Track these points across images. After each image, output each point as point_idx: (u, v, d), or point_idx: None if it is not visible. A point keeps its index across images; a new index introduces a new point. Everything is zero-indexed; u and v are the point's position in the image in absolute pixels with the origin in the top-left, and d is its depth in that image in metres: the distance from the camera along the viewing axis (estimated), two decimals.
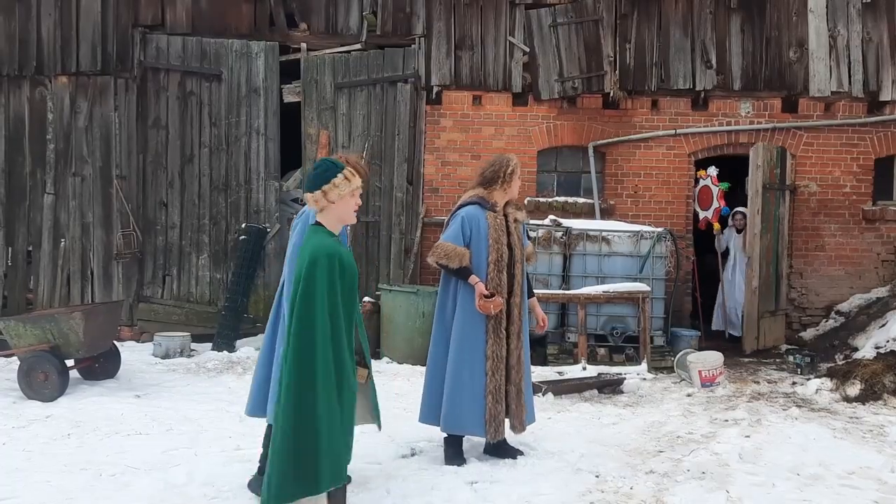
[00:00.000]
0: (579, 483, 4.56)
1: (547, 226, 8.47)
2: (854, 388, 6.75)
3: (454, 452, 4.85)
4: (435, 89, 9.33)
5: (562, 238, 8.37)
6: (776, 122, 9.36)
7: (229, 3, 9.29)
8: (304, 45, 9.34)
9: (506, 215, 4.91)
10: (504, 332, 4.78)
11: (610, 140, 9.36)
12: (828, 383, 7.02)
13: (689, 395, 6.98)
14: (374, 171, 9.16)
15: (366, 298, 8.42)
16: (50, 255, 9.31)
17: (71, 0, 9.20)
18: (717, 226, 9.27)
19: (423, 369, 5.32)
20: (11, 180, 9.32)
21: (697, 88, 9.32)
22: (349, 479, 3.68)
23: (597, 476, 4.69)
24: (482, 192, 4.88)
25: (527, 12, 9.30)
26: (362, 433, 4.05)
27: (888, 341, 7.63)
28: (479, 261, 4.77)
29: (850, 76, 9.35)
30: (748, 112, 9.39)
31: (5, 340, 6.94)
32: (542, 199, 9.32)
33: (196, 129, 9.38)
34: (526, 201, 9.01)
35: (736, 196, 9.73)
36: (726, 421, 6.08)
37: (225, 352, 8.58)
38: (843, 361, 7.75)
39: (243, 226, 9.27)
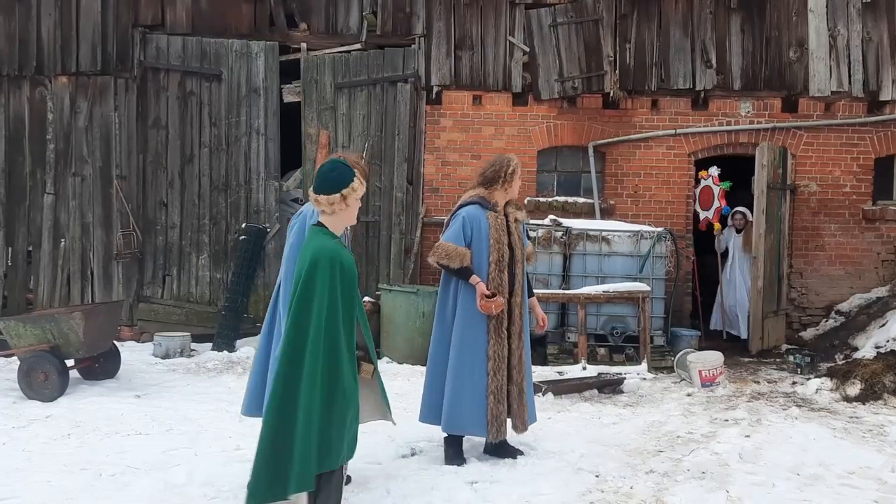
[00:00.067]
0: (579, 483, 4.56)
1: (547, 225, 8.46)
2: (854, 388, 6.75)
3: (454, 452, 4.85)
4: (435, 89, 9.33)
5: (562, 238, 8.37)
6: (776, 122, 9.36)
7: (229, 3, 9.29)
8: (304, 45, 9.34)
9: (506, 215, 4.91)
10: (505, 331, 4.78)
11: (610, 140, 9.36)
12: (828, 383, 7.02)
13: (689, 395, 6.98)
14: (374, 171, 9.16)
15: (366, 298, 8.42)
16: (50, 255, 9.31)
17: (71, 0, 9.20)
18: (717, 226, 9.26)
19: (423, 369, 5.32)
20: (11, 180, 9.32)
21: (697, 88, 9.32)
22: (349, 480, 3.66)
23: (597, 476, 4.70)
24: (483, 192, 4.88)
25: (527, 12, 9.30)
26: (363, 433, 4.05)
27: (888, 341, 7.63)
28: (479, 261, 4.77)
29: (850, 76, 9.35)
30: (748, 112, 9.39)
31: (5, 340, 6.94)
32: (542, 199, 9.31)
33: (196, 129, 9.38)
34: (526, 201, 9.01)
35: (735, 196, 9.72)
36: (726, 421, 6.08)
37: (225, 352, 8.58)
38: (843, 361, 7.75)
39: (243, 226, 9.27)
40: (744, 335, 9.22)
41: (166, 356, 8.26)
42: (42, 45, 9.23)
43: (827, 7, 9.31)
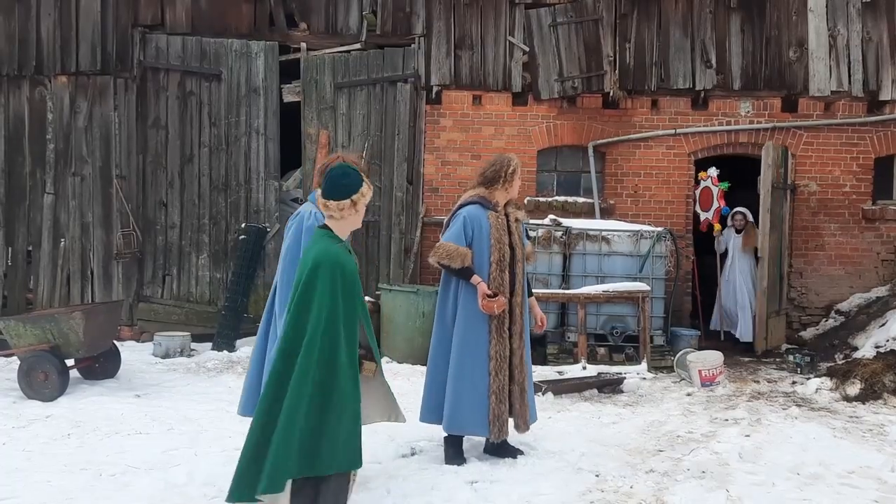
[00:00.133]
0: (579, 482, 4.56)
1: (547, 225, 8.46)
2: (854, 388, 6.76)
3: (454, 452, 4.85)
4: (435, 89, 9.33)
5: (562, 238, 8.37)
6: (776, 122, 9.36)
7: (229, 3, 9.29)
8: (303, 45, 9.34)
9: (507, 215, 4.91)
10: (507, 331, 4.78)
11: (610, 140, 9.36)
12: (828, 383, 7.02)
13: (688, 395, 6.98)
14: (373, 171, 9.16)
15: (366, 298, 8.41)
16: (50, 255, 9.31)
17: (70, 0, 9.20)
18: (717, 226, 9.24)
19: (423, 369, 5.32)
20: (11, 180, 9.32)
21: (697, 88, 9.32)
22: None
23: (597, 475, 4.70)
24: (483, 192, 4.87)
25: (526, 12, 9.30)
26: (363, 433, 4.05)
27: (888, 340, 7.63)
28: (480, 261, 4.77)
29: (849, 76, 9.35)
30: (748, 112, 9.39)
31: (5, 340, 6.94)
32: (541, 199, 9.31)
33: (196, 128, 9.38)
34: (526, 201, 9.01)
35: (735, 196, 9.71)
36: (726, 420, 6.08)
37: (225, 351, 8.59)
38: (843, 361, 7.76)
39: (243, 225, 9.27)
40: (743, 336, 9.20)
41: (166, 356, 8.26)
42: (42, 44, 9.23)
43: (827, 7, 9.31)
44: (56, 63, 9.24)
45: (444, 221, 5.05)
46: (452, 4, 9.29)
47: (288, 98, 9.42)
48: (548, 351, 8.11)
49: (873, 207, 9.44)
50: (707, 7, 9.29)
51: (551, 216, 8.68)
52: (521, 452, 4.97)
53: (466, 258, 4.72)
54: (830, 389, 6.90)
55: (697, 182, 9.37)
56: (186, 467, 4.65)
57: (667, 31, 9.33)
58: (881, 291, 9.19)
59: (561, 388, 6.88)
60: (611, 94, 9.26)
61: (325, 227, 3.61)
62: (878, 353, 7.49)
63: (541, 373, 7.33)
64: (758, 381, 7.53)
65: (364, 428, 4.13)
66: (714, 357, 7.35)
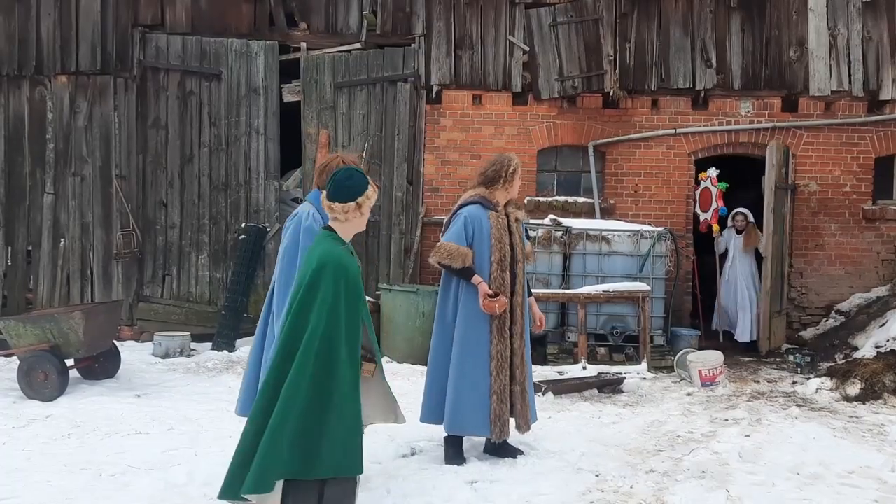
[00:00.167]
0: (579, 482, 4.56)
1: (547, 225, 8.46)
2: (854, 388, 6.75)
3: (454, 452, 4.85)
4: (435, 89, 9.32)
5: (562, 237, 8.37)
6: (776, 122, 9.35)
7: (229, 3, 9.29)
8: (303, 45, 9.34)
9: (507, 215, 4.91)
10: (508, 331, 4.78)
11: (610, 139, 9.36)
12: (828, 382, 7.02)
13: (689, 395, 6.98)
14: (373, 171, 9.16)
15: (366, 298, 8.41)
16: (50, 255, 9.30)
17: (70, 0, 9.19)
18: (716, 228, 9.20)
19: (423, 369, 5.32)
20: (11, 180, 9.32)
21: (697, 88, 9.32)
22: None
23: (597, 475, 4.69)
24: (483, 192, 4.87)
25: (527, 11, 9.30)
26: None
27: (888, 340, 7.63)
28: (481, 261, 4.77)
29: (850, 75, 9.34)
30: (748, 111, 9.39)
31: (5, 340, 6.94)
32: (542, 199, 9.31)
33: (196, 128, 9.38)
34: (526, 201, 9.01)
35: (735, 196, 9.71)
36: (726, 420, 6.08)
37: (225, 351, 8.59)
38: (843, 361, 7.75)
39: (243, 225, 9.27)
40: (741, 337, 9.17)
41: (166, 356, 8.26)
42: (42, 44, 9.22)
43: (827, 6, 9.31)
44: (56, 63, 9.23)
45: (445, 221, 5.05)
46: (452, 4, 9.29)
47: (288, 98, 9.42)
48: (548, 351, 8.11)
49: (873, 207, 9.44)
50: (707, 6, 9.29)
51: (551, 216, 8.68)
52: (521, 452, 4.97)
53: (467, 258, 4.72)
54: (830, 389, 6.90)
55: (697, 182, 9.36)
56: (186, 467, 4.65)
57: (667, 31, 9.32)
58: (881, 291, 9.18)
59: (561, 388, 6.87)
60: (611, 93, 9.25)
61: (328, 228, 3.59)
62: (878, 352, 7.49)
63: (541, 373, 7.33)
64: (758, 381, 7.53)
65: (364, 428, 4.13)
66: (714, 357, 7.34)
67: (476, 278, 4.72)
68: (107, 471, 4.66)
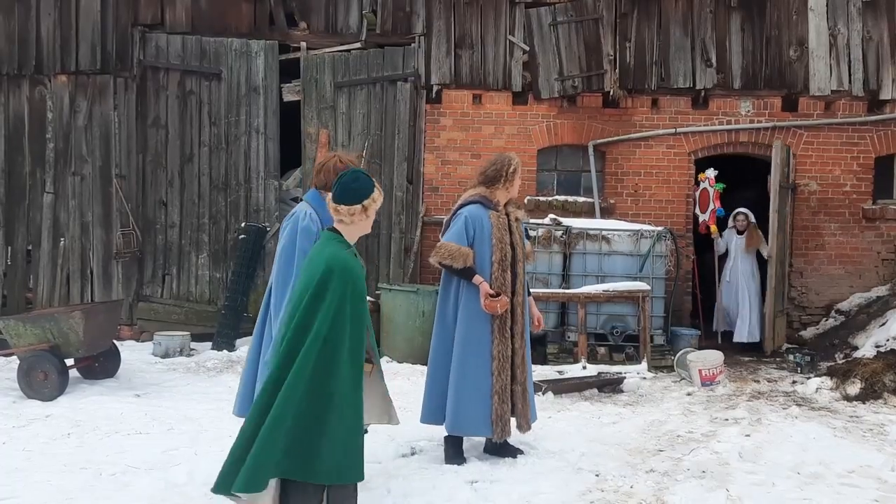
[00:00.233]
0: (579, 482, 4.56)
1: (547, 225, 8.46)
2: (854, 387, 6.76)
3: (454, 452, 4.85)
4: (435, 88, 9.32)
5: (562, 237, 8.37)
6: (776, 121, 9.35)
7: (229, 3, 9.29)
8: (303, 44, 9.34)
9: (507, 214, 4.90)
10: (509, 331, 4.78)
11: (610, 139, 9.35)
12: (828, 382, 7.02)
13: (689, 394, 6.98)
14: (373, 170, 9.15)
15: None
16: (49, 255, 9.30)
17: None
18: (714, 229, 9.18)
19: (423, 368, 5.32)
20: (11, 180, 9.32)
21: (697, 87, 9.31)
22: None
23: (597, 475, 4.69)
24: (484, 192, 4.87)
25: (527, 11, 9.29)
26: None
27: (888, 340, 7.63)
28: (482, 260, 4.76)
29: (850, 75, 9.34)
30: (748, 111, 9.38)
31: (5, 340, 6.94)
32: (542, 198, 9.31)
33: (196, 128, 9.37)
34: (526, 200, 9.01)
35: (735, 196, 9.70)
36: (726, 420, 6.08)
37: (225, 351, 8.59)
38: (844, 360, 7.76)
39: (243, 225, 9.27)
40: (740, 338, 9.15)
41: (166, 355, 8.26)
42: (41, 44, 9.22)
43: (827, 6, 9.30)
44: (56, 62, 9.23)
45: (445, 221, 5.04)
46: (452, 4, 9.29)
47: (288, 97, 9.41)
48: (548, 350, 8.11)
49: (873, 207, 9.43)
50: (707, 6, 9.28)
51: (551, 215, 8.68)
52: (522, 452, 4.97)
53: (468, 258, 4.71)
54: (831, 389, 6.90)
55: (697, 183, 9.35)
56: (186, 467, 4.65)
57: (667, 31, 9.32)
58: (881, 291, 9.18)
59: (561, 387, 6.87)
60: (611, 93, 9.25)
61: (333, 230, 3.56)
62: (878, 352, 7.49)
63: (541, 372, 7.33)
64: (758, 381, 7.53)
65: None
66: (714, 357, 7.34)
67: (477, 278, 4.72)
68: (107, 470, 4.66)
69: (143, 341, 9.01)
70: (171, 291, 9.40)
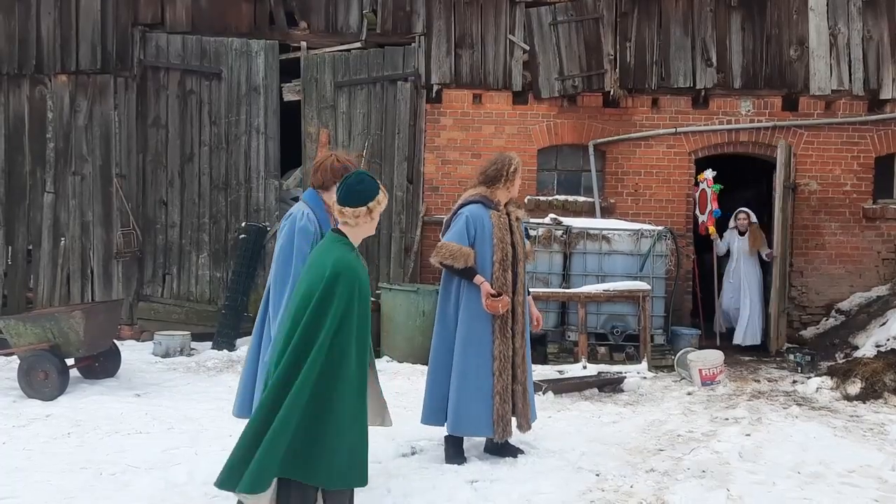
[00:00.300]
0: (580, 482, 4.56)
1: (547, 224, 8.46)
2: (854, 387, 6.75)
3: (455, 451, 4.85)
4: (435, 88, 9.32)
5: (562, 237, 8.37)
6: (777, 121, 9.35)
7: (229, 2, 9.29)
8: (303, 44, 9.34)
9: (508, 214, 4.90)
10: (510, 331, 4.77)
11: (610, 138, 9.35)
12: (828, 382, 7.02)
13: (689, 394, 6.98)
14: (374, 170, 9.15)
15: None
16: (50, 254, 9.30)
17: None
18: (712, 230, 9.16)
19: (423, 368, 5.31)
20: (11, 179, 9.32)
21: (698, 87, 9.31)
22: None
23: (597, 475, 4.69)
24: (484, 191, 4.86)
25: (527, 10, 9.29)
26: None
27: (888, 339, 7.63)
28: (483, 260, 4.76)
29: (850, 74, 9.34)
30: (748, 110, 9.38)
31: (5, 339, 6.93)
32: (542, 198, 9.31)
33: (196, 127, 9.38)
34: (526, 200, 9.01)
35: (735, 196, 9.70)
36: (727, 419, 6.08)
37: (225, 350, 8.59)
38: (844, 360, 7.75)
39: (243, 224, 9.27)
40: (739, 341, 9.13)
41: (166, 355, 8.26)
42: (42, 43, 9.22)
43: (827, 5, 9.30)
44: (56, 62, 9.23)
45: (445, 221, 5.03)
46: (453, 3, 9.28)
47: (288, 97, 9.41)
48: (548, 350, 8.11)
49: (874, 206, 9.43)
50: (707, 5, 9.28)
51: (552, 215, 8.67)
52: (522, 451, 4.97)
53: (469, 258, 4.71)
54: (831, 388, 6.90)
55: (697, 183, 9.34)
56: (187, 466, 4.65)
57: (667, 30, 9.32)
58: (882, 290, 9.18)
59: (561, 387, 6.87)
60: (611, 92, 9.25)
61: (338, 231, 3.55)
62: (878, 352, 7.49)
63: (541, 372, 7.33)
64: (758, 381, 7.53)
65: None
66: (714, 356, 7.34)
67: (478, 278, 4.71)
68: (107, 470, 4.65)
69: (143, 341, 9.01)
70: (172, 291, 9.40)
